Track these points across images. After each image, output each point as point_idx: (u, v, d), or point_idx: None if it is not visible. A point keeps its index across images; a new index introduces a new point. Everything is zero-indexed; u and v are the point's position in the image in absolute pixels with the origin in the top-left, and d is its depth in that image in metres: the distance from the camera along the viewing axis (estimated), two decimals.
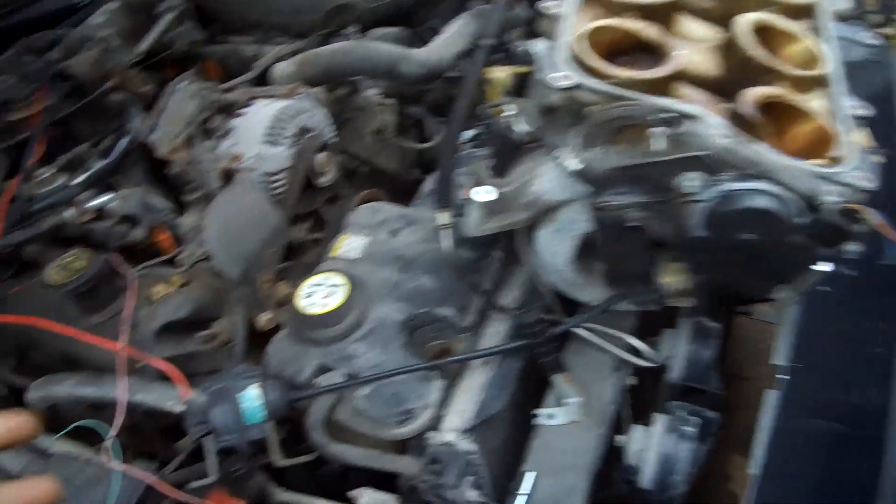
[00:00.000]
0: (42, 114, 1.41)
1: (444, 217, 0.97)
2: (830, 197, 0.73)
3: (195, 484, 0.90)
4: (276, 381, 0.96)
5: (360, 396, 1.01)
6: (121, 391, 1.01)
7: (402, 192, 1.68)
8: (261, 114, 1.43)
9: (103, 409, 1.08)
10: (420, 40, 1.78)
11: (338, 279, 1.09)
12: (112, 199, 1.31)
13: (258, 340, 1.20)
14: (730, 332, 1.41)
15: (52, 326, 1.12)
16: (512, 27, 1.41)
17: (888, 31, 1.24)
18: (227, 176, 1.35)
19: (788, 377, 0.91)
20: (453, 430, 1.00)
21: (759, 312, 2.48)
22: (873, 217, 0.71)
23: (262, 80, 1.61)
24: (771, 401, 0.94)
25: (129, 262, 1.27)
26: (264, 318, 1.25)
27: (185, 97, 1.51)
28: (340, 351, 1.06)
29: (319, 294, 1.08)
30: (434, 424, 1.03)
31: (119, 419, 0.97)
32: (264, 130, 1.39)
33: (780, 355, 0.99)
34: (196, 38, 1.66)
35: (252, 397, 0.92)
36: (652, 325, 1.24)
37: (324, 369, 1.05)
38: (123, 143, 1.41)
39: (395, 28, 1.78)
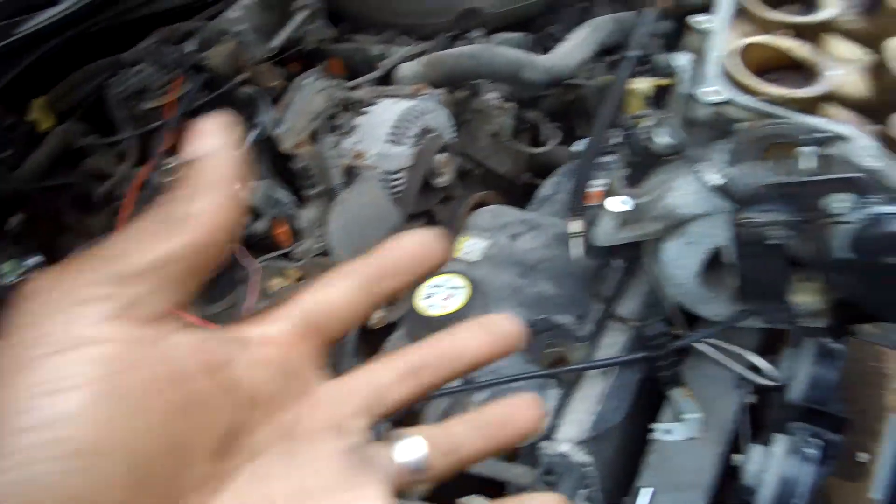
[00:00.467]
0: (176, 103, 1.49)
1: (576, 225, 0.97)
2: None
3: None
4: None
5: (476, 401, 1.02)
6: None
7: (514, 196, 1.69)
8: (386, 112, 1.47)
9: None
10: (542, 46, 1.79)
11: (459, 281, 1.11)
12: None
13: (370, 338, 1.24)
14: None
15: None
16: (653, 39, 1.40)
17: None
18: (350, 173, 1.40)
19: None
20: (568, 440, 1.00)
21: (863, 332, 2.35)
22: None
23: (386, 79, 1.66)
24: (893, 426, 0.89)
25: (250, 253, 1.33)
26: (376, 316, 1.29)
27: (311, 93, 1.56)
28: None
29: (440, 295, 1.10)
30: (549, 433, 1.03)
31: None
32: (388, 129, 1.43)
33: None
34: (326, 35, 1.72)
35: None
36: (772, 343, 1.20)
37: None
38: (252, 135, 1.47)
39: (518, 33, 1.79)
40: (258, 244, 1.41)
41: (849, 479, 2.08)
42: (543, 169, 1.67)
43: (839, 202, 0.77)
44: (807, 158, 0.78)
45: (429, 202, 1.54)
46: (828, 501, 2.02)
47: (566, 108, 1.80)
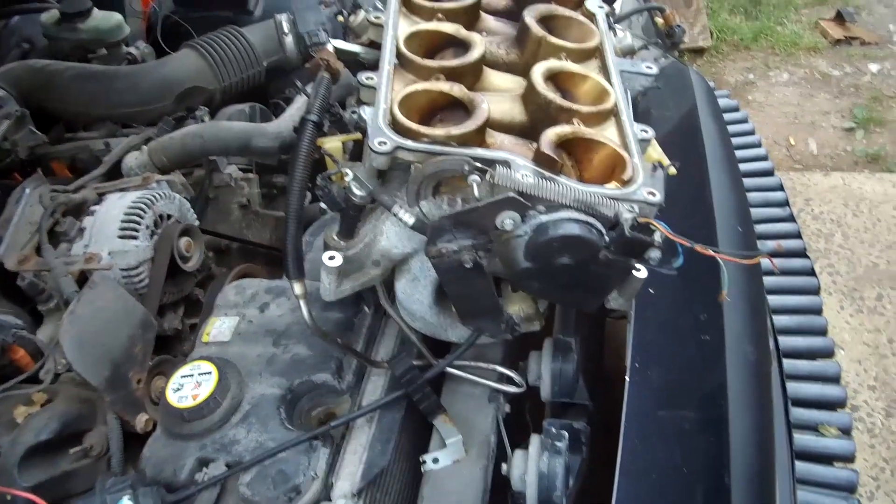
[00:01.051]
0: None
1: (298, 288, 0.99)
2: (627, 214, 0.81)
3: None
4: (150, 487, 0.94)
5: (244, 484, 1.00)
6: None
7: (281, 263, 1.68)
8: (113, 209, 1.41)
9: None
10: (273, 113, 1.82)
11: (206, 367, 1.09)
12: None
13: (140, 444, 1.17)
14: (603, 340, 1.49)
15: None
16: (349, 94, 1.47)
17: (678, 52, 1.37)
18: (84, 278, 1.32)
19: (632, 375, 0.98)
20: (342, 496, 1.01)
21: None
22: (660, 226, 0.79)
23: (115, 174, 1.59)
24: (624, 398, 1.00)
25: None
26: (142, 420, 1.22)
27: (30, 203, 1.47)
28: (219, 440, 1.05)
29: (189, 386, 1.07)
30: (324, 495, 1.03)
31: None
32: (119, 225, 1.37)
33: (627, 356, 1.06)
34: (37, 142, 1.62)
35: None
36: (525, 347, 1.30)
37: (204, 462, 1.03)
38: None
39: (245, 104, 1.80)
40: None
41: None
42: (307, 227, 1.68)
43: (508, 219, 0.85)
44: (475, 187, 0.86)
45: (183, 288, 1.49)
46: None
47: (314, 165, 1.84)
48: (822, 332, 1.58)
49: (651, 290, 1.08)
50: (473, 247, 0.88)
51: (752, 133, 1.57)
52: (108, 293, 1.27)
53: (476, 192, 0.86)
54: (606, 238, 0.84)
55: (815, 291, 1.64)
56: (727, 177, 1.15)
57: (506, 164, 0.86)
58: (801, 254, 1.47)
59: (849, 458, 1.43)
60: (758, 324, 1.12)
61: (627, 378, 0.98)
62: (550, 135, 0.87)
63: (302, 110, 1.63)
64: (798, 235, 1.44)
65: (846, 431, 1.48)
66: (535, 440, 1.05)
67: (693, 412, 0.97)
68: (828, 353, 1.59)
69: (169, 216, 1.45)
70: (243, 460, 1.01)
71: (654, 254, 0.85)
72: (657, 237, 0.80)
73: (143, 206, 1.40)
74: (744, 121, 1.62)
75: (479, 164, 0.86)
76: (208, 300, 1.54)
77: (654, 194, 0.82)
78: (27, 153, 1.62)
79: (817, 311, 1.64)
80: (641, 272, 0.92)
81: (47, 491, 0.98)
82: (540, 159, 0.87)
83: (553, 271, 0.88)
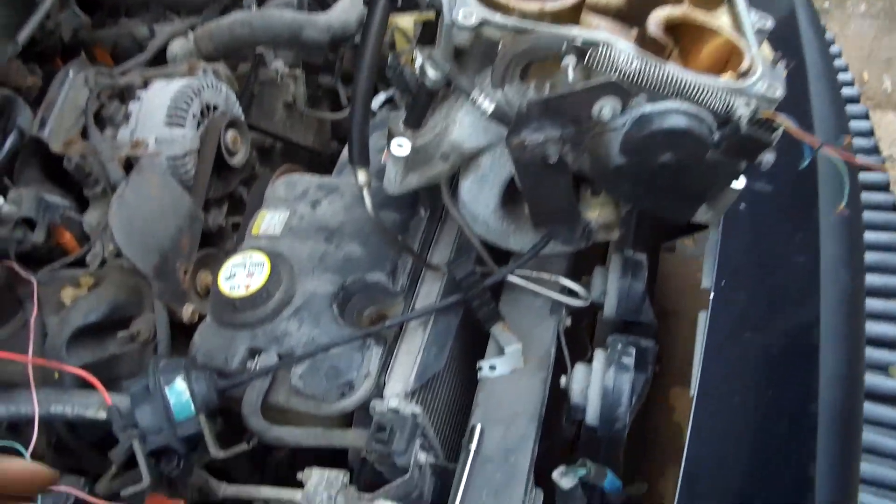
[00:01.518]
0: None
1: (362, 175, 0.93)
2: (743, 109, 0.73)
3: (129, 490, 0.84)
4: (203, 371, 0.91)
5: (296, 375, 0.97)
6: (33, 405, 0.93)
7: (322, 166, 1.62)
8: (160, 95, 1.34)
9: (20, 427, 1.01)
10: (322, 5, 1.72)
11: (258, 257, 1.04)
12: (2, 204, 1.22)
13: (185, 335, 1.14)
14: (657, 270, 1.42)
15: None
16: None
17: None
18: (130, 164, 1.27)
19: (715, 298, 0.92)
20: (396, 395, 0.98)
21: (683, 248, 2.55)
22: (786, 122, 0.71)
23: (159, 60, 1.52)
24: (702, 323, 0.94)
25: (34, 267, 1.18)
26: (188, 311, 1.19)
27: (75, 86, 1.41)
28: (271, 331, 1.02)
29: (241, 275, 1.03)
30: (376, 393, 1.00)
31: (35, 435, 0.90)
32: (165, 112, 1.31)
33: (707, 279, 1.00)
34: (81, 23, 1.55)
35: (179, 392, 0.87)
36: (586, 264, 1.24)
37: (255, 352, 1.00)
38: (9, 141, 1.30)
39: None
40: (45, 256, 1.26)
41: (681, 385, 2.24)
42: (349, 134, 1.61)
43: (607, 108, 0.78)
44: (569, 70, 0.78)
45: (228, 184, 1.44)
46: (670, 408, 2.17)
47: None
48: None
49: (742, 205, 1.00)
50: (562, 139, 0.81)
51: (839, 56, 1.45)
52: (156, 180, 1.22)
53: (570, 77, 0.78)
54: (716, 135, 0.76)
55: None
56: (826, 89, 1.06)
57: (607, 45, 0.77)
58: (885, 188, 1.38)
59: None
60: (856, 250, 1.04)
61: (712, 294, 0.92)
62: (658, 16, 0.79)
63: (355, 3, 1.54)
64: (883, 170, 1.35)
65: None
66: (599, 354, 1.00)
67: (782, 338, 0.91)
68: None
69: (215, 107, 1.39)
70: (295, 353, 0.98)
71: (768, 157, 0.77)
72: (775, 136, 0.72)
73: (190, 93, 1.33)
74: (831, 43, 1.50)
75: (577, 45, 0.78)
76: (252, 199, 1.49)
77: (775, 89, 0.74)
78: (70, 35, 1.55)
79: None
80: (740, 181, 0.84)
81: (94, 372, 0.96)
82: (645, 42, 0.79)
83: (649, 171, 0.81)
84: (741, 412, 0.84)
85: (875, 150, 1.42)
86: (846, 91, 1.43)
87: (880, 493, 1.05)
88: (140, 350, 1.14)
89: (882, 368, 1.33)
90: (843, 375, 0.89)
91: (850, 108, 1.40)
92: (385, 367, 1.02)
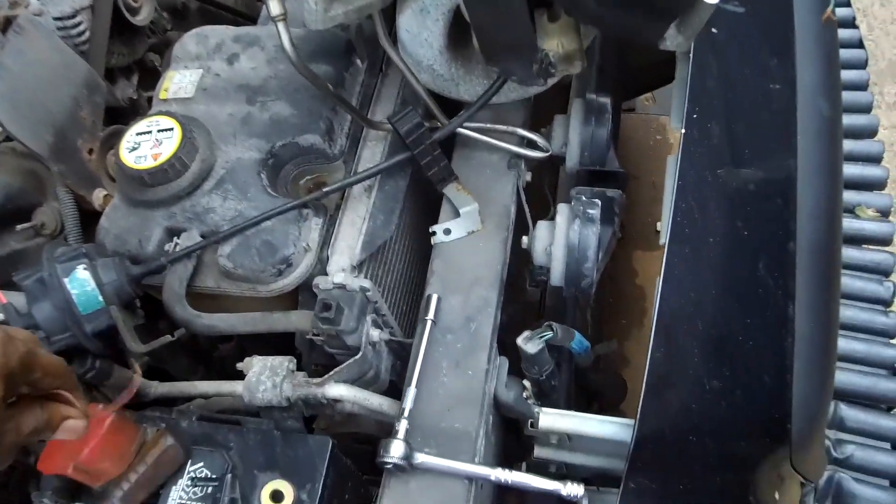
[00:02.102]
0: None
1: (275, 5, 0.77)
2: None
3: None
4: (111, 258, 0.79)
5: (225, 255, 0.85)
6: None
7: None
8: None
9: None
10: None
11: (166, 122, 0.89)
12: None
13: (90, 222, 1.00)
14: (619, 126, 1.31)
15: None
16: None
17: None
18: (8, 26, 1.07)
19: (689, 127, 0.81)
20: (341, 269, 0.87)
21: (643, 108, 2.43)
22: None
23: None
24: (672, 165, 0.84)
25: None
26: (100, 196, 1.05)
27: None
28: (190, 207, 0.89)
29: (147, 144, 0.88)
30: (319, 269, 0.89)
31: None
32: None
33: (676, 118, 0.89)
34: None
35: (81, 281, 0.75)
36: (545, 117, 1.12)
37: (174, 233, 0.88)
38: None
39: None
40: None
41: (643, 249, 2.20)
42: None
43: None
44: None
45: (134, 50, 1.26)
46: (633, 272, 2.13)
47: None
48: (867, 109, 1.41)
49: (714, 30, 0.88)
50: None
51: None
52: (41, 42, 1.04)
53: None
54: None
55: (863, 65, 1.44)
56: None
57: None
58: (851, 24, 1.26)
59: (886, 241, 1.31)
60: (832, 77, 0.94)
61: (682, 130, 0.81)
62: None
63: None
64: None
65: (885, 213, 1.35)
66: (563, 209, 0.90)
67: (758, 171, 0.82)
68: (871, 133, 1.43)
69: None
70: (221, 230, 0.86)
71: None
72: None
73: None
74: None
75: None
76: (166, 67, 1.31)
77: None
78: None
79: (863, 87, 1.46)
80: None
81: None
82: None
83: None
84: (716, 255, 0.76)
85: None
86: None
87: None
88: (47, 244, 1.00)
89: (849, 211, 1.27)
90: (822, 210, 0.82)
91: None
92: (327, 239, 0.91)
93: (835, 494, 0.81)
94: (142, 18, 1.22)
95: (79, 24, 1.11)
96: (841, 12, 1.37)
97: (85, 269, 0.75)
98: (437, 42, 0.88)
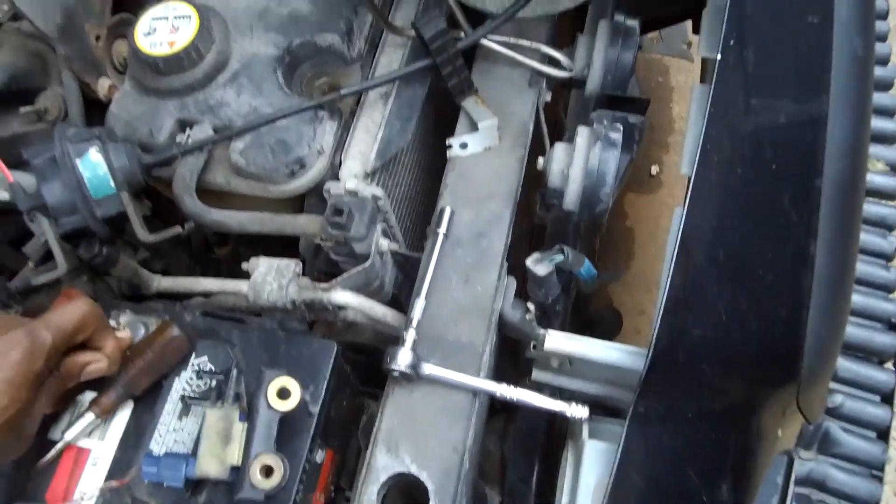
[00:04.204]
0: None
1: None
2: None
3: (42, 277, 0.72)
4: (122, 143, 0.77)
5: (237, 151, 0.83)
6: None
7: None
8: None
9: None
10: None
11: (183, 8, 0.86)
12: None
13: (102, 113, 0.98)
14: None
15: None
16: None
17: None
18: None
19: (725, 53, 0.79)
20: (354, 175, 0.86)
21: (647, 47, 2.38)
22: None
23: None
24: (700, 94, 0.83)
25: None
26: (105, 85, 1.01)
27: None
28: (204, 100, 0.86)
29: (163, 29, 0.85)
30: (331, 173, 0.87)
31: None
32: None
33: (709, 45, 0.86)
34: None
35: (94, 164, 0.73)
36: (568, 33, 1.09)
37: (186, 125, 0.85)
38: None
39: None
40: None
41: (646, 193, 2.19)
42: None
43: None
44: None
45: None
46: (623, 215, 2.12)
47: None
48: (885, 61, 1.39)
49: None
50: None
51: None
52: None
53: None
54: None
55: (884, 16, 1.41)
56: None
57: None
58: None
59: (893, 195, 1.30)
60: (868, 18, 0.92)
61: (719, 56, 0.79)
62: None
63: None
64: None
65: (894, 168, 1.34)
66: (583, 131, 0.88)
67: (791, 104, 0.80)
68: (887, 86, 1.41)
69: None
70: (234, 125, 0.84)
71: None
72: None
73: None
74: None
75: None
76: None
77: None
78: None
79: (883, 38, 1.42)
80: None
81: None
82: None
83: None
84: (742, 185, 0.76)
85: None
86: None
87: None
88: (49, 129, 0.97)
89: None
90: (850, 151, 0.80)
91: None
92: (341, 143, 0.89)
93: (821, 440, 0.83)
94: None
95: None
96: None
97: (98, 151, 0.73)
98: None
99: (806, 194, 0.77)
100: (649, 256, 1.99)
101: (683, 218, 0.73)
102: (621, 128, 0.88)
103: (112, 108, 0.87)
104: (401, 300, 0.95)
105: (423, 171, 1.05)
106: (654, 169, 2.16)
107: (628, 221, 2.07)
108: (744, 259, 0.74)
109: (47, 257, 0.80)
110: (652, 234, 2.04)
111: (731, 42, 0.81)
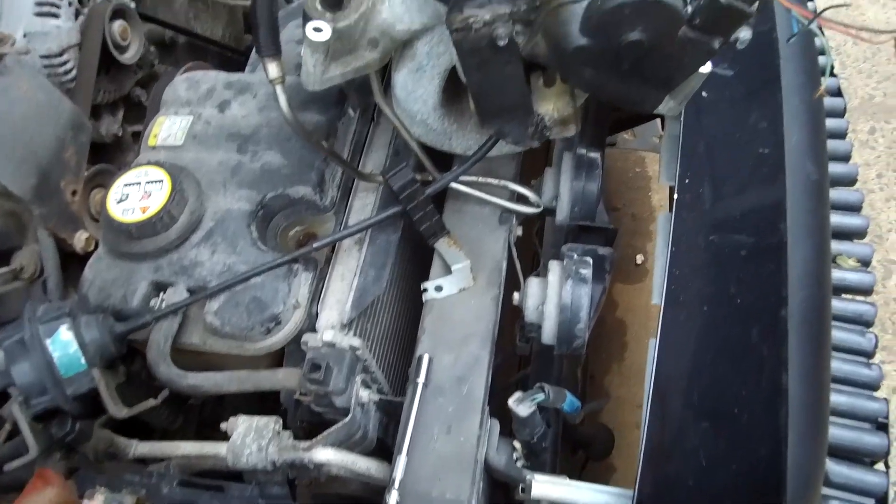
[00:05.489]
0: None
1: (273, 68, 0.76)
2: None
3: (13, 464, 0.70)
4: (94, 315, 0.77)
5: (212, 312, 0.83)
6: None
7: (238, 65, 1.42)
8: None
9: None
10: None
11: (155, 173, 0.88)
12: None
13: (82, 268, 0.98)
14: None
15: None
16: None
17: None
18: None
19: (681, 192, 0.81)
20: (331, 326, 0.86)
21: (622, 141, 2.46)
22: None
23: None
24: (664, 224, 0.85)
25: None
26: (82, 238, 1.03)
27: None
28: (178, 261, 0.87)
29: (135, 196, 0.86)
30: (308, 325, 0.87)
31: None
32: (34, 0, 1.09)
33: (667, 175, 0.89)
34: None
35: (64, 343, 0.72)
36: (531, 166, 1.12)
37: (160, 287, 0.86)
38: None
39: None
40: None
41: (621, 282, 2.20)
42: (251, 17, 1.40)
43: None
44: None
45: (121, 86, 1.24)
46: (614, 304, 2.13)
47: None
48: (846, 158, 1.43)
49: (703, 93, 0.89)
50: (511, 17, 0.66)
51: None
52: (26, 82, 1.02)
53: None
54: (690, 7, 0.63)
55: (842, 114, 1.47)
56: None
57: None
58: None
59: (867, 291, 1.32)
60: (819, 141, 0.96)
61: (676, 196, 0.82)
62: None
63: None
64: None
65: (865, 263, 1.36)
66: (555, 267, 0.90)
67: (749, 237, 0.82)
68: (851, 181, 1.45)
69: None
70: (209, 285, 0.84)
71: (745, 33, 0.65)
72: (753, 9, 0.60)
73: None
74: None
75: None
76: (152, 103, 1.29)
77: None
78: None
79: (842, 135, 1.48)
80: (706, 67, 0.72)
81: None
82: None
83: (613, 53, 0.67)
84: (710, 323, 0.76)
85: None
86: None
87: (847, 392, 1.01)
88: (26, 289, 0.98)
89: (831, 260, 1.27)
90: (812, 276, 0.82)
91: None
92: (316, 295, 0.89)
93: None
94: (130, 56, 1.20)
95: (66, 62, 1.10)
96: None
97: (68, 329, 0.73)
98: (432, 99, 0.88)
99: (773, 326, 0.78)
100: (643, 346, 1.98)
101: (654, 360, 0.73)
102: (591, 261, 0.90)
103: (86, 273, 0.88)
104: (387, 442, 0.93)
105: (403, 306, 1.05)
106: (640, 258, 2.19)
107: (618, 312, 2.07)
108: (718, 399, 0.74)
109: (16, 432, 0.78)
110: (643, 324, 2.03)
111: (686, 180, 0.83)
